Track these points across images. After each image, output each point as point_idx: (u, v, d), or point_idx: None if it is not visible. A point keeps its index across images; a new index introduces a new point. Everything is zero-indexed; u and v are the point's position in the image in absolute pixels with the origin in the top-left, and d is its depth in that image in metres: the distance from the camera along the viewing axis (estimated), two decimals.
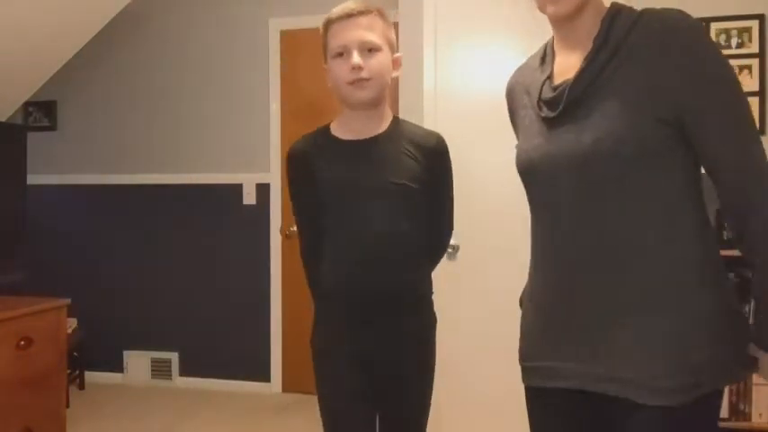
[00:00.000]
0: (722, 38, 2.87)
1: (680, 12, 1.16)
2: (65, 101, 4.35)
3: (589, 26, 1.22)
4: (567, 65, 1.25)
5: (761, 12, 2.83)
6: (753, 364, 1.20)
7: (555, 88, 1.24)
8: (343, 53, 1.56)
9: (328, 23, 1.59)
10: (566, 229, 1.21)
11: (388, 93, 1.65)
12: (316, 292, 1.72)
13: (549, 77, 1.28)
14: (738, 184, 1.17)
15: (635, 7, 1.22)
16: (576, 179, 1.18)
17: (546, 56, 1.33)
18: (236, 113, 4.09)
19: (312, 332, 1.71)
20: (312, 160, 1.63)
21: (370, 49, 1.56)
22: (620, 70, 1.16)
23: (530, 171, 1.28)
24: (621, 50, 1.16)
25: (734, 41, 2.87)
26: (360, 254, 1.60)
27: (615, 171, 1.14)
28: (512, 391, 2.41)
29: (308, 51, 3.97)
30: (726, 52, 2.86)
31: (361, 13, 1.56)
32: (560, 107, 1.20)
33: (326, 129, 1.68)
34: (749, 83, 2.84)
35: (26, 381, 2.59)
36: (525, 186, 1.32)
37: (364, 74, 1.54)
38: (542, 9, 1.25)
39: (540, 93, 1.27)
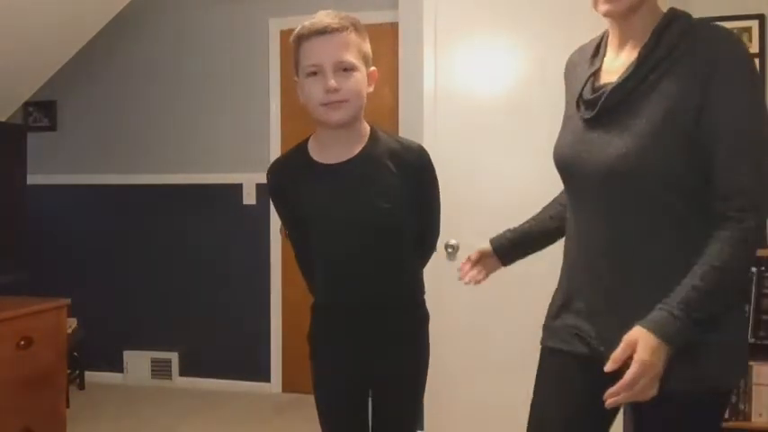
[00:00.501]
0: None
1: (729, 39, 1.19)
2: (65, 101, 4.35)
3: (642, 27, 1.24)
4: (614, 66, 1.29)
5: (761, 12, 2.83)
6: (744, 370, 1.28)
7: (596, 89, 1.28)
8: (316, 72, 1.48)
9: (300, 38, 1.50)
10: (589, 218, 1.30)
11: (363, 110, 1.57)
12: (312, 292, 1.75)
13: (595, 74, 1.32)
14: (733, 186, 1.17)
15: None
16: (600, 184, 1.25)
17: (600, 47, 1.36)
18: (236, 113, 4.09)
19: (309, 330, 1.74)
20: (290, 187, 1.60)
21: (345, 69, 1.48)
22: (659, 86, 1.19)
23: (562, 167, 1.36)
24: (663, 65, 1.20)
25: None
26: (348, 275, 1.60)
27: (634, 186, 1.20)
28: (509, 388, 2.42)
29: None
30: None
31: (335, 30, 1.47)
32: (594, 112, 1.26)
33: (304, 149, 1.62)
34: None
35: (26, 381, 2.59)
36: (560, 174, 1.39)
37: (340, 96, 1.47)
38: (595, 6, 1.28)
39: (583, 89, 1.31)
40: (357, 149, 1.57)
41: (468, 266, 1.61)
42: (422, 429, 3.11)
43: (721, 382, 1.24)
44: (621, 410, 1.40)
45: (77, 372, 4.10)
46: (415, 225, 1.65)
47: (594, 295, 1.30)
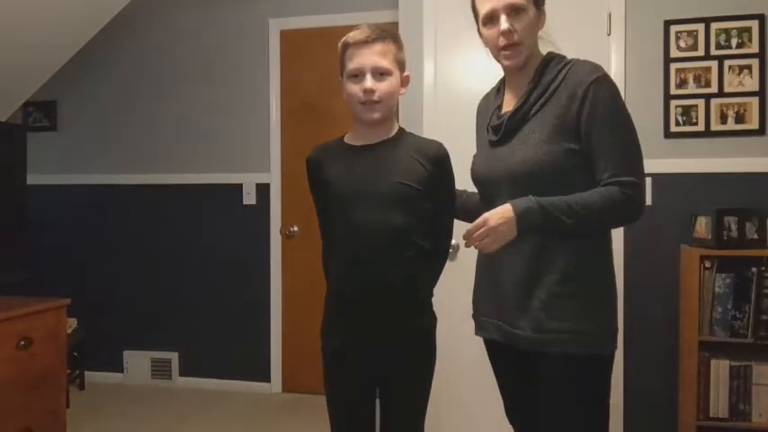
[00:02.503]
0: (722, 38, 2.87)
1: (592, 69, 1.56)
2: (65, 101, 4.35)
3: (530, 70, 1.64)
4: (511, 99, 1.68)
5: (761, 12, 2.83)
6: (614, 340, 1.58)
7: (499, 117, 1.67)
8: (357, 75, 1.73)
9: (346, 45, 1.75)
10: None
11: (395, 109, 1.83)
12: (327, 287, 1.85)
13: (499, 107, 1.71)
14: (605, 168, 1.53)
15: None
16: (507, 187, 1.59)
17: (500, 89, 1.76)
18: (237, 113, 4.09)
19: (321, 325, 1.85)
20: (325, 163, 1.80)
21: (381, 73, 1.73)
22: (544, 109, 1.58)
23: (477, 179, 1.74)
24: (546, 93, 1.58)
25: (734, 41, 2.87)
26: (358, 245, 1.71)
27: (534, 183, 1.54)
28: None
29: (308, 51, 3.97)
30: (726, 52, 2.87)
31: (375, 40, 1.72)
32: (500, 133, 1.63)
33: (341, 138, 1.86)
34: (749, 83, 2.84)
35: (26, 381, 2.58)
36: (476, 188, 1.77)
37: (375, 96, 1.72)
38: (498, 60, 1.68)
39: (490, 119, 1.71)
40: (386, 137, 1.80)
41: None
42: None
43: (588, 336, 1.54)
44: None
45: (77, 372, 4.10)
46: (429, 213, 1.76)
47: (508, 281, 1.61)
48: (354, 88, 1.73)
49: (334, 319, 1.80)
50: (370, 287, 1.71)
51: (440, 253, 1.86)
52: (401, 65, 1.78)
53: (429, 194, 1.74)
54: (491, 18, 1.62)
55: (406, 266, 1.72)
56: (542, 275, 1.55)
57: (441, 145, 1.81)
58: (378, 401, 1.82)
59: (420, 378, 1.81)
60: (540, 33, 1.67)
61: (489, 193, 1.67)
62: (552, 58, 1.64)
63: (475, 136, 1.88)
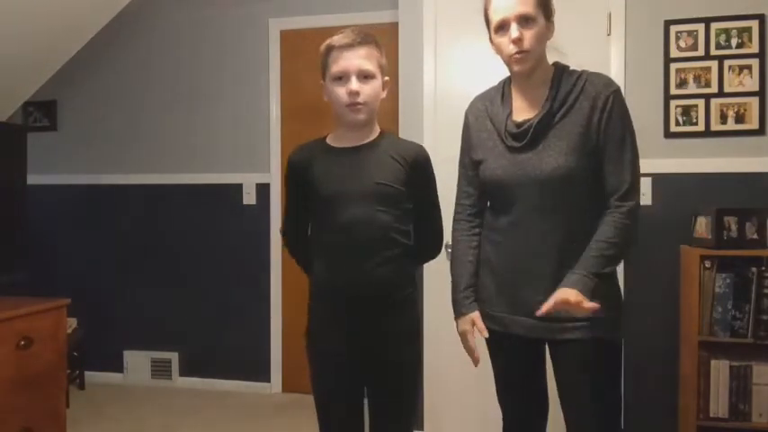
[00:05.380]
0: (722, 38, 2.87)
1: (608, 81, 1.71)
2: (65, 101, 4.35)
3: (540, 79, 1.74)
4: (524, 107, 1.77)
5: (761, 12, 2.84)
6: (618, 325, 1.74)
7: (519, 125, 1.74)
8: (342, 77, 1.75)
9: (330, 48, 1.78)
10: (525, 222, 1.73)
11: (376, 111, 1.86)
12: (310, 282, 1.89)
13: (509, 115, 1.77)
14: (618, 186, 1.70)
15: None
16: (536, 191, 1.70)
17: (504, 95, 1.82)
18: (236, 113, 4.09)
19: (307, 326, 1.88)
20: (307, 164, 1.83)
21: (366, 77, 1.76)
22: (567, 118, 1.70)
23: (498, 184, 1.78)
24: (567, 104, 1.70)
25: (734, 41, 2.87)
26: (343, 245, 1.76)
27: (563, 189, 1.68)
28: None
29: (308, 51, 3.97)
30: (726, 52, 2.87)
31: (360, 44, 1.75)
32: (525, 140, 1.71)
33: (323, 139, 1.90)
34: (749, 83, 2.84)
35: (26, 381, 2.58)
36: (489, 193, 1.84)
37: (360, 99, 1.75)
38: (509, 66, 1.74)
39: (505, 126, 1.76)
40: (368, 140, 1.83)
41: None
42: (421, 430, 3.11)
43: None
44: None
45: (77, 372, 4.10)
46: (412, 213, 1.83)
47: (539, 271, 1.72)
48: (340, 91, 1.75)
49: (322, 319, 1.82)
50: (357, 285, 1.75)
51: (430, 253, 1.96)
52: (383, 69, 1.82)
53: (411, 195, 1.80)
54: (502, 26, 1.71)
55: (392, 265, 1.76)
56: (564, 270, 1.67)
57: (421, 147, 1.87)
58: (365, 402, 1.85)
59: (410, 372, 1.85)
60: (548, 43, 1.76)
61: (509, 197, 1.76)
62: (563, 67, 1.76)
63: (466, 137, 1.91)
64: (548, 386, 1.88)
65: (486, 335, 1.79)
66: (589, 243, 1.67)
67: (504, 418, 1.92)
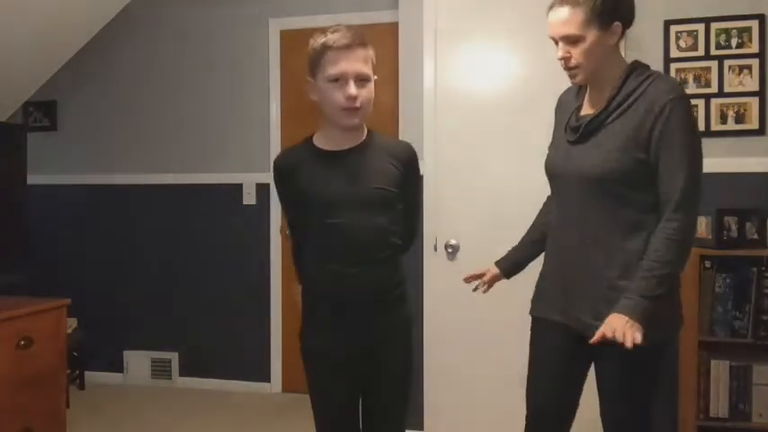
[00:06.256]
0: (722, 38, 2.87)
1: (671, 87, 1.67)
2: (65, 101, 4.35)
3: (608, 77, 1.75)
4: (590, 104, 1.81)
5: (761, 12, 2.83)
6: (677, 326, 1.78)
7: (578, 119, 1.80)
8: (339, 80, 1.69)
9: (326, 48, 1.70)
10: (570, 216, 1.80)
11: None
12: (303, 289, 1.87)
13: (578, 109, 1.83)
14: (668, 197, 1.66)
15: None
16: (578, 186, 1.76)
17: (581, 90, 1.87)
18: (236, 113, 4.09)
19: (301, 329, 1.86)
20: (296, 169, 1.78)
21: (363, 80, 1.71)
22: (621, 119, 1.70)
23: (552, 173, 1.87)
24: (625, 104, 1.70)
25: (734, 41, 2.87)
26: (342, 250, 1.73)
27: (604, 186, 1.70)
28: (508, 388, 2.42)
29: (307, 51, 3.97)
30: (726, 52, 2.87)
31: (359, 45, 1.70)
32: (578, 135, 1.77)
33: (310, 141, 1.83)
34: (749, 83, 2.84)
35: (26, 381, 2.59)
36: (548, 179, 1.90)
37: (358, 103, 1.70)
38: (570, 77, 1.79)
39: (569, 119, 1.84)
40: (358, 142, 1.79)
41: (475, 278, 2.05)
42: (421, 429, 3.11)
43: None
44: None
45: (77, 372, 4.10)
46: (401, 212, 1.82)
47: (572, 269, 1.79)
48: (336, 93, 1.70)
49: (319, 321, 1.81)
50: (355, 288, 1.74)
51: (407, 248, 1.94)
52: (374, 69, 1.79)
53: (401, 195, 1.79)
54: (555, 43, 1.77)
55: (388, 265, 1.77)
56: (604, 271, 1.72)
57: (409, 145, 1.88)
58: (360, 403, 1.86)
59: (406, 371, 1.86)
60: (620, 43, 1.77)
61: (559, 187, 1.85)
62: (636, 68, 1.75)
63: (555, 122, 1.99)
64: (579, 401, 1.89)
65: (483, 291, 2.02)
66: (640, 260, 1.66)
67: (527, 415, 1.93)
